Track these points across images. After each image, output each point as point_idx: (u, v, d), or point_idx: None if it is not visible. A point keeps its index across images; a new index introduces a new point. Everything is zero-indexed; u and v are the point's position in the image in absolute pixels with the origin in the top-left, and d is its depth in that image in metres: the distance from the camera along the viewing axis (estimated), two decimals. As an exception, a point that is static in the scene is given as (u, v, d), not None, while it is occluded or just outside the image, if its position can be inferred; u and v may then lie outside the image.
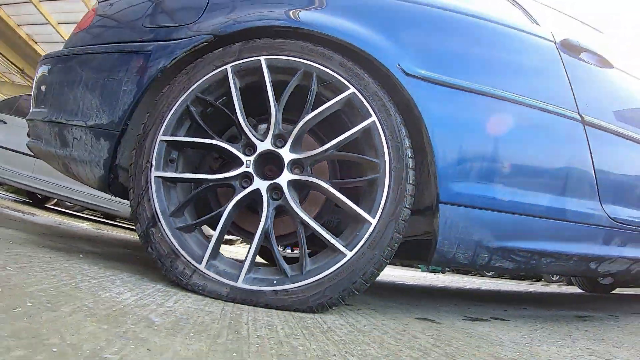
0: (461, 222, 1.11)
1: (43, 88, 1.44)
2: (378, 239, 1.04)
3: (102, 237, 2.69)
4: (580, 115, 1.26)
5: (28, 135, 1.59)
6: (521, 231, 1.16)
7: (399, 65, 1.13)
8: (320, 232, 1.05)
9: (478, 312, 1.45)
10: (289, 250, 3.44)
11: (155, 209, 1.09)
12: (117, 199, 4.39)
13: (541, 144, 1.21)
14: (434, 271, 8.87)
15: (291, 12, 1.19)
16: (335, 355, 0.71)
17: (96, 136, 1.25)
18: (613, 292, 3.52)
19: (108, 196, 4.42)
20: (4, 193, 6.43)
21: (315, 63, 1.14)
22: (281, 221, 1.35)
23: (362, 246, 1.03)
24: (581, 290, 3.66)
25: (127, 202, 4.30)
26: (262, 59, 1.15)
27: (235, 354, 0.63)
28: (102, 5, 1.49)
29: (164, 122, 1.14)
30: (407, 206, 1.07)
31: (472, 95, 1.16)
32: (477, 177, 1.13)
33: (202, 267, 1.04)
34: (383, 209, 1.05)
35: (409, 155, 1.09)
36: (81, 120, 1.28)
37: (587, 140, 1.24)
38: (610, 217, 1.26)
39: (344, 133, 1.12)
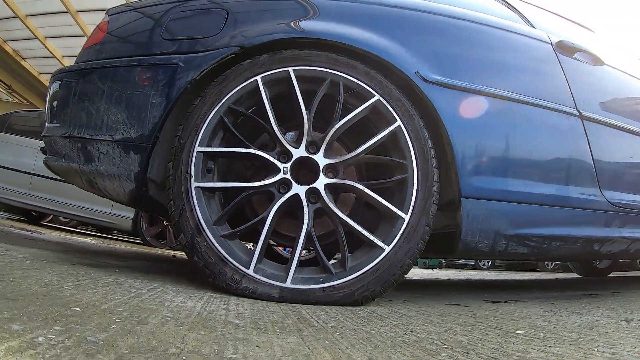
0: (481, 214, 1.23)
1: (59, 103, 1.41)
2: (412, 233, 1.13)
3: (116, 251, 2.62)
4: (579, 111, 1.41)
5: (44, 152, 1.54)
6: (533, 219, 1.30)
7: (417, 72, 1.22)
8: (359, 230, 1.12)
9: (495, 296, 1.59)
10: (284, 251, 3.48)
11: (199, 219, 1.11)
12: (117, 211, 4.30)
13: (546, 139, 1.34)
14: (432, 267, 9.05)
15: (316, 24, 1.25)
16: (405, 334, 0.79)
17: (125, 150, 1.25)
18: (609, 275, 3.68)
19: (107, 209, 4.28)
20: (-2, 212, 6.02)
21: (341, 72, 1.21)
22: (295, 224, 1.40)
23: (398, 240, 1.12)
24: (578, 275, 3.80)
25: (128, 215, 4.20)
26: (290, 69, 1.20)
27: (326, 341, 0.70)
28: (113, 19, 1.47)
29: (199, 133, 1.16)
30: (434, 202, 1.16)
31: (484, 98, 1.27)
32: (493, 172, 1.25)
33: (250, 271, 1.08)
34: (414, 206, 1.14)
35: (433, 155, 1.19)
36: (107, 134, 1.27)
37: (586, 133, 1.39)
38: (609, 202, 1.42)
39: (368, 137, 1.20)
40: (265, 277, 1.08)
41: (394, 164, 1.19)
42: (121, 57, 1.35)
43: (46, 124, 1.50)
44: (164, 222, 4.40)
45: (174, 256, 2.95)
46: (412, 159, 1.17)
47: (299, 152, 1.17)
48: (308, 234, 1.11)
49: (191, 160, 1.15)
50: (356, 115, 1.20)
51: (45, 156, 1.55)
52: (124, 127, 1.26)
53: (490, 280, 3.59)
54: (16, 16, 7.45)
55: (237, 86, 1.19)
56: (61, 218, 5.62)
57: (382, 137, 1.18)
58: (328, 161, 1.17)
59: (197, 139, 1.16)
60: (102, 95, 1.31)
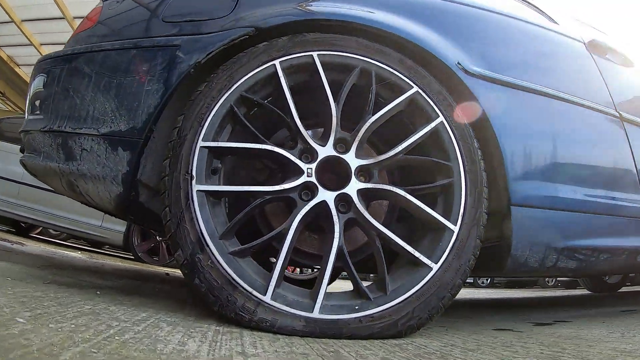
0: (532, 224, 1.00)
1: (41, 93, 1.12)
2: (462, 248, 0.88)
3: (103, 267, 2.24)
4: (619, 113, 1.23)
5: (21, 150, 1.24)
6: (583, 229, 1.08)
7: (459, 63, 1.01)
8: (402, 246, 0.87)
9: (534, 318, 1.35)
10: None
11: (201, 231, 0.84)
12: (107, 225, 3.86)
13: (592, 141, 1.15)
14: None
15: (344, 7, 1.02)
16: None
17: (112, 146, 0.97)
18: (619, 290, 3.37)
19: (98, 222, 3.84)
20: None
21: (373, 60, 0.98)
22: (315, 238, 1.14)
23: (447, 257, 0.87)
24: (589, 292, 3.48)
25: (119, 228, 3.72)
26: (314, 54, 0.96)
27: None
28: (107, 4, 1.20)
29: (204, 125, 0.90)
30: (485, 210, 0.93)
31: (532, 95, 1.06)
32: (543, 177, 1.03)
33: (267, 298, 0.80)
34: (464, 215, 0.90)
35: (480, 156, 0.96)
36: (92, 127, 0.99)
37: (627, 136, 1.21)
38: None
39: (402, 136, 0.96)
40: (287, 305, 0.81)
41: (437, 166, 0.95)
42: (114, 40, 1.08)
43: (26, 116, 1.20)
44: (157, 237, 3.98)
45: (167, 274, 2.58)
46: (458, 161, 0.94)
47: (325, 151, 0.92)
48: (339, 250, 0.84)
49: (193, 158, 0.87)
50: (392, 109, 0.96)
51: (22, 155, 1.25)
52: (112, 119, 0.98)
53: (505, 298, 3.21)
54: (12, 21, 6.92)
55: (251, 71, 0.94)
56: (51, 230, 5.10)
57: (423, 135, 0.95)
58: (361, 162, 0.92)
59: (200, 131, 0.89)
60: (89, 82, 1.03)
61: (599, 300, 2.39)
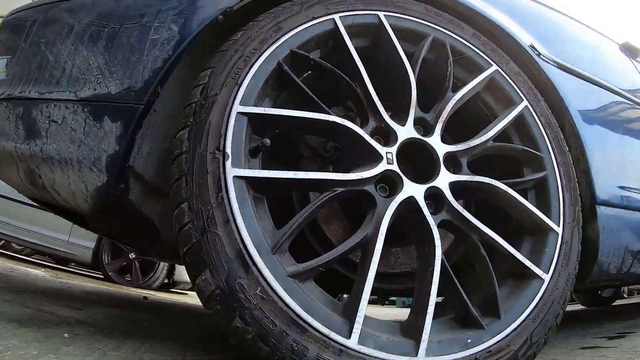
0: (615, 226, 0.81)
1: (5, 51, 0.71)
2: (568, 252, 0.66)
3: (70, 289, 1.62)
4: (657, 114, 1.13)
5: None
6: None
7: (532, 46, 0.81)
8: (513, 254, 0.61)
9: (597, 332, 1.14)
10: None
11: (243, 240, 0.50)
12: (75, 240, 3.05)
13: None
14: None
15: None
16: None
17: (95, 115, 0.59)
18: (613, 304, 2.93)
19: (65, 237, 3.03)
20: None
21: (447, 30, 0.74)
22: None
23: (556, 265, 0.64)
24: (583, 306, 2.98)
25: (88, 244, 2.87)
26: (381, 15, 0.70)
27: None
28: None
29: (242, 83, 0.57)
30: (580, 208, 0.72)
31: (600, 89, 0.91)
32: (621, 174, 0.86)
33: (353, 342, 0.48)
34: (564, 214, 0.68)
35: (567, 147, 0.76)
36: (67, 90, 0.60)
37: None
38: None
39: (477, 120, 0.74)
40: (380, 349, 0.49)
41: (525, 156, 0.73)
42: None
43: None
44: (130, 255, 3.17)
45: (145, 297, 2.01)
46: (548, 151, 0.72)
47: (406, 132, 0.64)
48: (442, 265, 0.56)
49: (227, 128, 0.54)
50: (474, 88, 0.72)
51: None
52: (97, 78, 0.61)
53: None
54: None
55: (303, 23, 0.64)
56: (14, 244, 4.03)
57: (511, 120, 0.72)
58: (449, 148, 0.65)
59: (238, 91, 0.56)
60: (70, 33, 0.65)
61: (610, 313, 2.20)
